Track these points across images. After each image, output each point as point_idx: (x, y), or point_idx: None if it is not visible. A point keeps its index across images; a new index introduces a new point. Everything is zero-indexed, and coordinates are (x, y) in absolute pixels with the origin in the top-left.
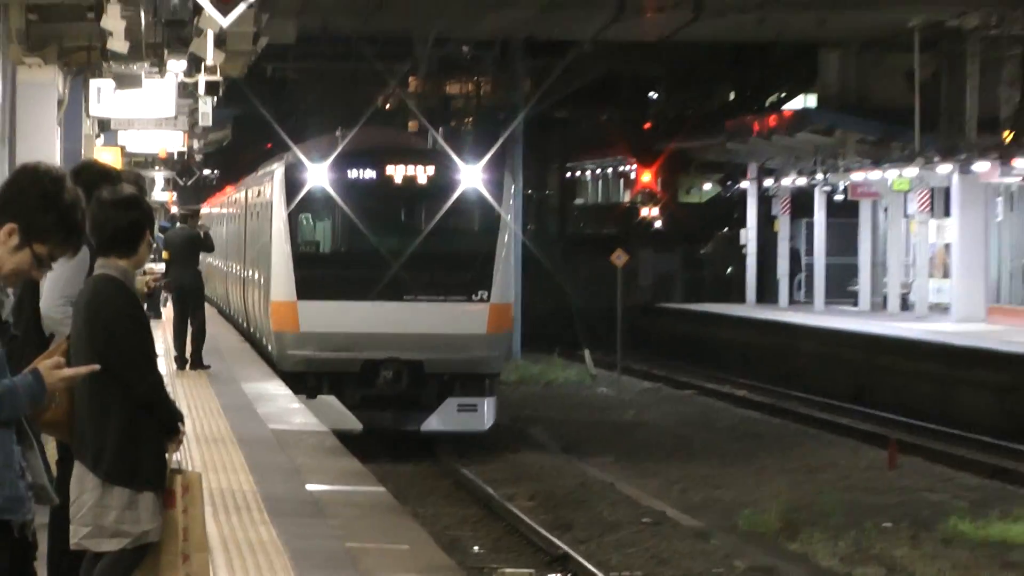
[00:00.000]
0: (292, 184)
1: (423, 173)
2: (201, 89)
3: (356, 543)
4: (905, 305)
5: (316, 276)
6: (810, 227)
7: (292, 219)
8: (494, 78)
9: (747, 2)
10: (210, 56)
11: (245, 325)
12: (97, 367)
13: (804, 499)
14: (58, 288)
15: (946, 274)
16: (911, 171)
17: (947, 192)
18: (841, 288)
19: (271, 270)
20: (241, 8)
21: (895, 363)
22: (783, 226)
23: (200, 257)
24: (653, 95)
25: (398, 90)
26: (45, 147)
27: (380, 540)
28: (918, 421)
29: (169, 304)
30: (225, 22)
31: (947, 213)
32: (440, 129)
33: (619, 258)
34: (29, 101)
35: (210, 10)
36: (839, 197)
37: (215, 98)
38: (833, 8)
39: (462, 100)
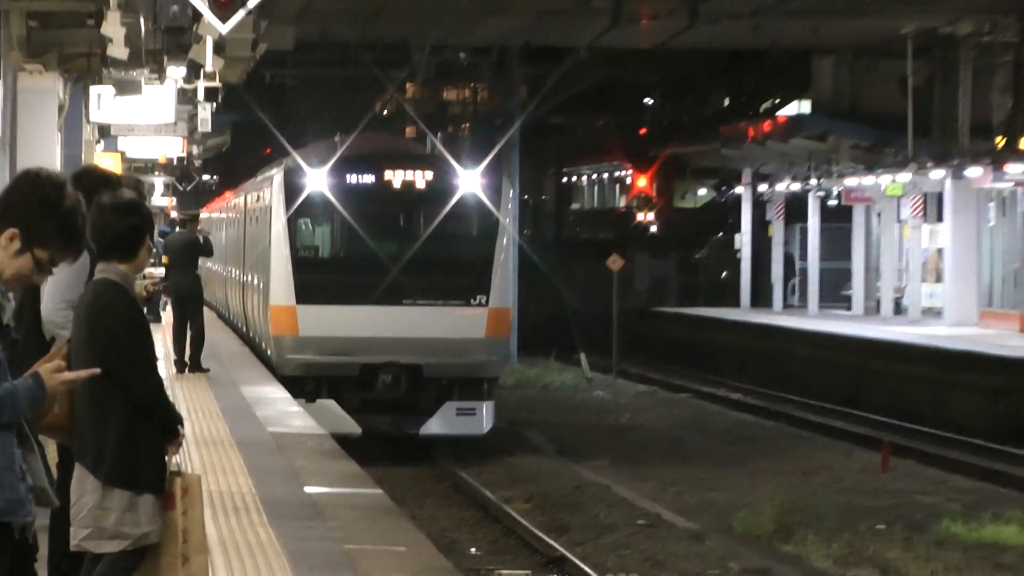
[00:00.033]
0: (291, 189)
1: (422, 178)
2: (200, 95)
3: (354, 545)
4: (898, 309)
5: (315, 280)
6: (804, 232)
7: (291, 224)
8: (491, 84)
9: (741, 9)
10: (209, 62)
11: (244, 329)
12: (98, 371)
13: (798, 501)
14: (59, 292)
15: (939, 278)
16: (904, 176)
17: (940, 197)
18: (835, 292)
19: (270, 274)
20: (240, 15)
21: (888, 367)
22: (777, 231)
23: (199, 262)
24: (648, 101)
25: (396, 96)
26: (46, 153)
27: (378, 542)
28: (911, 424)
29: (169, 308)
30: (224, 29)
31: (940, 218)
32: (438, 135)
33: (615, 262)
34: (30, 107)
35: (209, 17)
36: (833, 202)
37: (214, 104)
38: (827, 15)
39: (459, 106)
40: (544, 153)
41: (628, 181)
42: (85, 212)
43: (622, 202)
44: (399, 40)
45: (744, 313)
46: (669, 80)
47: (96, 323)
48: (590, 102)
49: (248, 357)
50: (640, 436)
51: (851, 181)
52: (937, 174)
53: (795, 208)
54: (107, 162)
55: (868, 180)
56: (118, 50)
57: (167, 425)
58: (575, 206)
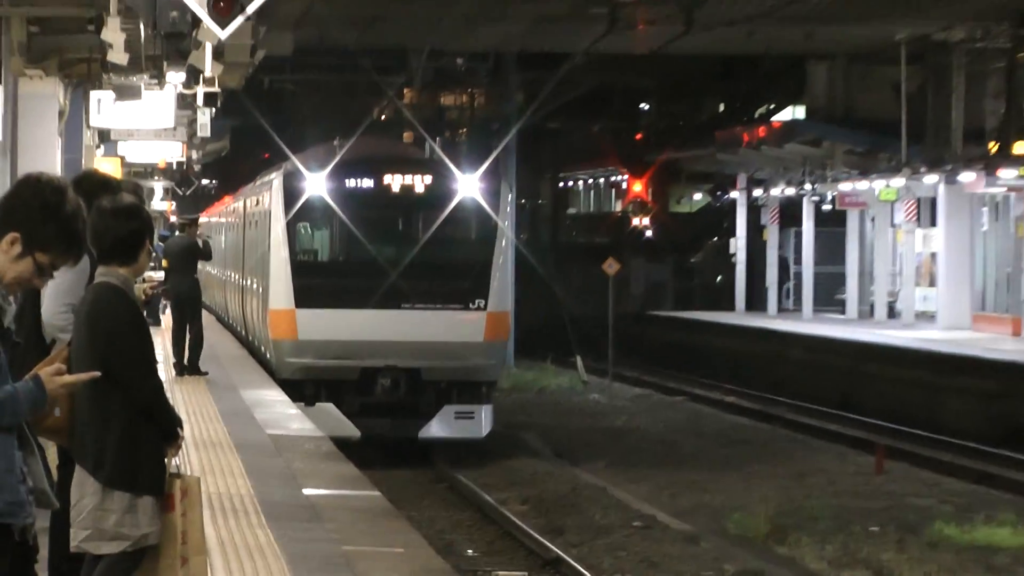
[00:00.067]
0: (290, 193)
1: (420, 182)
2: (200, 100)
3: (352, 546)
4: (892, 313)
5: (314, 284)
6: (798, 236)
7: (290, 228)
8: (487, 90)
9: (736, 16)
10: (208, 68)
11: (244, 333)
12: (98, 374)
13: (792, 504)
14: (60, 296)
15: (932, 283)
16: (898, 181)
17: (933, 202)
18: (829, 296)
19: (269, 278)
20: (239, 21)
21: (882, 370)
22: (772, 235)
23: (199, 265)
24: (644, 107)
25: (394, 101)
26: (46, 157)
27: (376, 543)
28: (905, 427)
29: (168, 311)
30: (223, 34)
31: (933, 223)
32: (437, 140)
33: (611, 267)
34: (31, 112)
35: (208, 23)
36: (827, 207)
37: (213, 109)
38: (821, 22)
39: (456, 111)
40: (541, 158)
41: (624, 186)
42: (86, 216)
43: (618, 207)
44: (397, 46)
45: (739, 317)
46: (665, 85)
47: (96, 326)
48: (586, 107)
49: (247, 360)
50: (636, 439)
51: (845, 186)
52: (931, 179)
53: (790, 213)
54: (107, 167)
55: (862, 185)
56: (118, 55)
57: (167, 427)
58: (571, 210)
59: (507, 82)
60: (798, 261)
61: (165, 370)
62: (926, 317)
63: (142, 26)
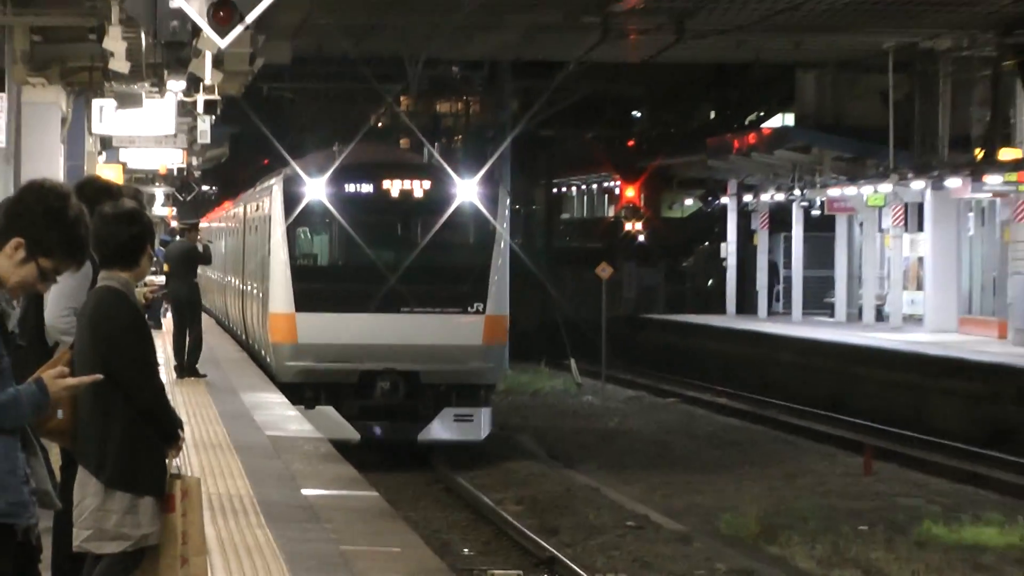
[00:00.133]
0: (290, 198)
1: (419, 187)
2: (200, 108)
3: (350, 546)
4: (880, 316)
5: (314, 288)
6: (788, 241)
7: (290, 232)
8: (483, 97)
9: (727, 25)
10: (208, 76)
11: (244, 337)
12: (100, 377)
13: (782, 504)
14: (62, 299)
15: (919, 286)
16: (885, 187)
17: (920, 207)
18: (818, 300)
19: (270, 282)
20: (238, 30)
21: (870, 372)
22: (762, 240)
23: (199, 270)
24: (636, 114)
25: (391, 109)
26: (49, 164)
27: (373, 543)
28: (893, 428)
29: (169, 315)
30: (223, 43)
31: (920, 228)
32: (436, 145)
33: (604, 271)
34: (34, 120)
35: (208, 32)
36: (816, 212)
37: (213, 116)
38: (810, 31)
39: (452, 119)
40: (535, 164)
41: (617, 192)
42: (88, 222)
43: (611, 212)
44: (393, 55)
45: (730, 320)
46: (656, 93)
47: (98, 329)
48: (579, 115)
49: (246, 363)
50: (628, 440)
51: (834, 191)
52: (918, 185)
53: (779, 218)
54: (109, 173)
55: (851, 191)
56: (119, 64)
57: (167, 429)
58: (565, 216)
59: (502, 90)
60: (788, 265)
61: (166, 372)
62: (913, 320)
63: (143, 35)
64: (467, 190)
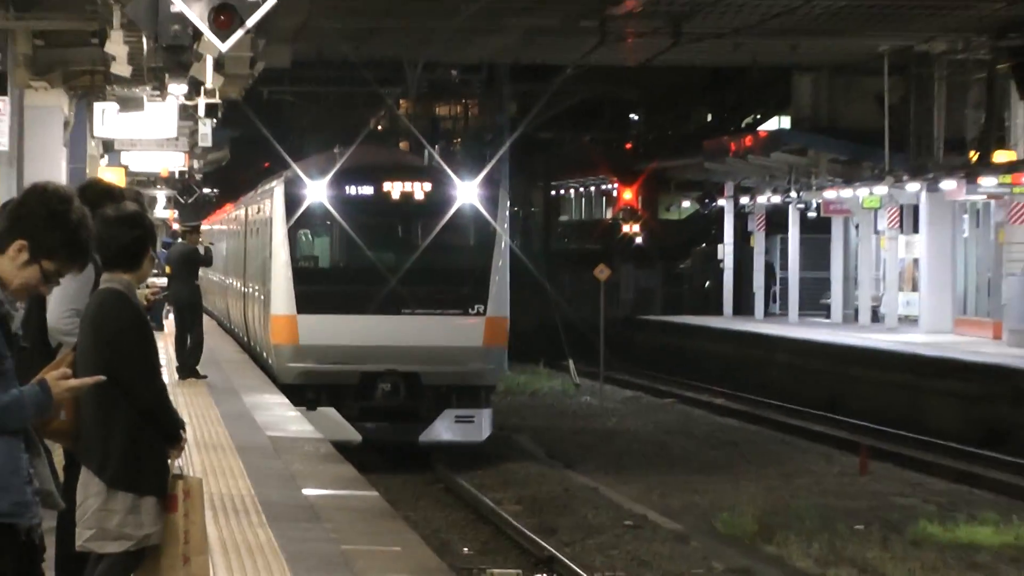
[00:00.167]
0: (291, 200)
1: (420, 189)
2: (201, 111)
3: (350, 546)
4: (875, 317)
5: (315, 290)
6: (784, 243)
7: (292, 235)
8: (481, 101)
9: (723, 28)
10: (209, 80)
11: (245, 339)
12: (102, 378)
13: (779, 503)
14: (65, 301)
15: (915, 287)
16: (881, 189)
17: (915, 209)
18: (814, 301)
19: (271, 284)
20: (239, 34)
21: (866, 373)
22: (759, 242)
23: (200, 272)
24: (634, 117)
25: (392, 111)
26: (52, 167)
27: (373, 543)
28: (888, 428)
29: (171, 316)
30: (224, 47)
31: (916, 229)
32: (436, 147)
33: (602, 272)
34: (36, 123)
35: (209, 36)
36: (812, 214)
37: (214, 120)
38: (806, 34)
39: (451, 122)
40: (533, 167)
41: (614, 194)
42: (91, 225)
43: (609, 214)
44: (392, 58)
45: (727, 321)
46: (654, 97)
47: (100, 331)
48: (578, 118)
49: (247, 364)
50: (627, 440)
51: (830, 194)
52: (913, 187)
53: (776, 220)
54: (111, 176)
55: (846, 193)
56: (121, 68)
57: (169, 430)
58: (563, 218)
59: (500, 93)
60: (784, 267)
61: (168, 374)
62: (909, 321)
63: (144, 39)
64: (467, 192)
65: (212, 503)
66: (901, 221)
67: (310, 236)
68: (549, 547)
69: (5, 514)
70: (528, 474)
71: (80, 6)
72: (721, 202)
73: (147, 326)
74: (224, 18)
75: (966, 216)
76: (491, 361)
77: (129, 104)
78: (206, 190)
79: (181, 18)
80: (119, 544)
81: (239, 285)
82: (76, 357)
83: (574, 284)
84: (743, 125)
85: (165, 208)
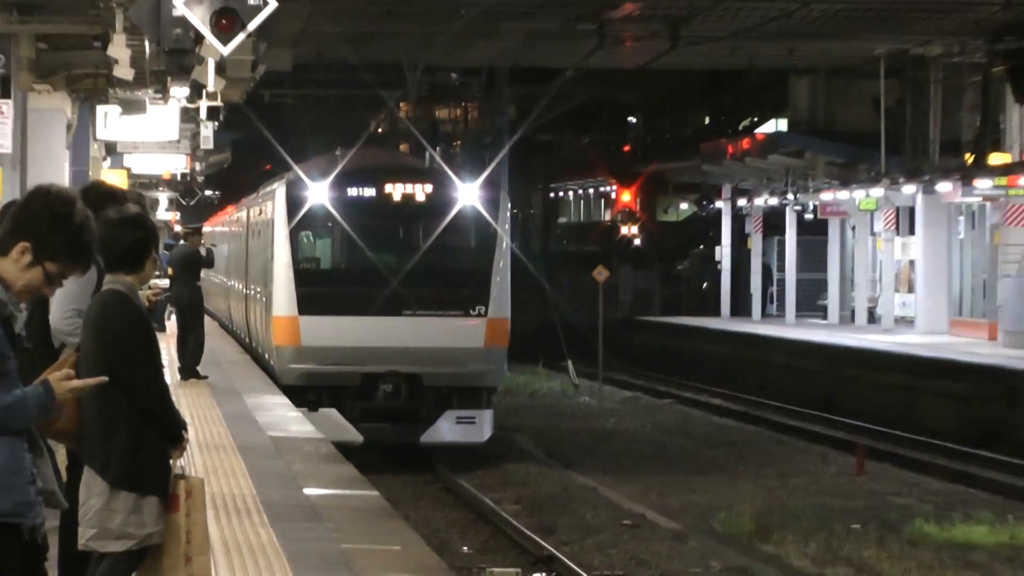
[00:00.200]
0: (293, 202)
1: (421, 191)
2: (203, 114)
3: (351, 545)
4: (872, 318)
5: (317, 292)
6: (781, 244)
7: (293, 236)
8: (481, 103)
9: (721, 32)
10: (211, 83)
11: (247, 340)
12: (105, 379)
13: (776, 503)
14: (67, 302)
15: (911, 289)
16: (877, 191)
17: (911, 211)
18: (811, 302)
19: (273, 286)
20: (240, 37)
21: (863, 373)
22: (756, 243)
23: (202, 273)
24: (632, 120)
25: (393, 114)
26: (55, 169)
27: (374, 542)
28: (885, 429)
29: (173, 317)
30: (225, 51)
31: (911, 231)
32: (438, 149)
33: (600, 274)
34: (39, 126)
35: (211, 39)
36: (809, 216)
37: (216, 122)
38: (803, 38)
39: (450, 124)
40: (532, 169)
41: (613, 196)
42: (94, 227)
43: (607, 216)
44: (393, 62)
45: (724, 322)
46: (652, 99)
47: (103, 332)
48: (576, 120)
49: (248, 365)
50: (625, 440)
51: (827, 196)
52: (909, 189)
53: (773, 222)
54: (113, 178)
55: (843, 195)
56: (124, 71)
57: (171, 430)
58: (562, 220)
59: (500, 96)
60: (781, 268)
61: (170, 374)
62: (905, 322)
63: (147, 43)
64: (469, 194)
65: (214, 503)
66: (897, 223)
67: (311, 238)
68: (548, 546)
69: (9, 514)
70: (527, 474)
71: (83, 10)
72: (719, 204)
73: (149, 327)
74: (226, 22)
75: (962, 218)
76: (492, 362)
77: (131, 107)
78: (208, 192)
79: (183, 22)
80: (121, 543)
81: (241, 287)
82: (79, 358)
83: (573, 285)
84: (740, 128)
85: (167, 210)
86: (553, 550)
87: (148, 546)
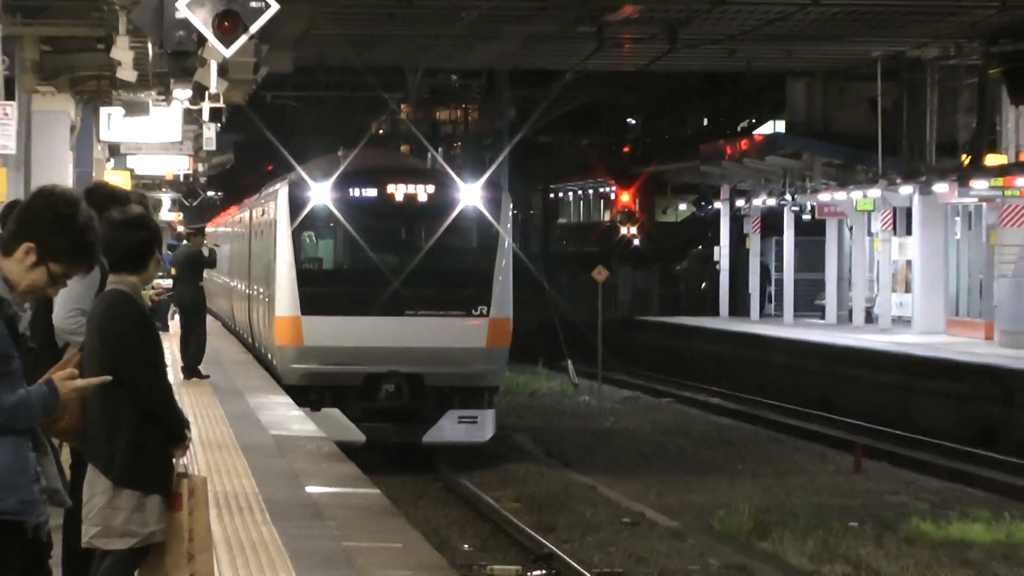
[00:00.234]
0: (295, 203)
1: (423, 192)
2: (205, 115)
3: (352, 543)
4: (869, 318)
5: (319, 292)
6: (779, 245)
7: (296, 237)
8: (481, 105)
9: (719, 34)
10: (214, 85)
11: (250, 340)
12: (109, 378)
13: (774, 501)
14: (69, 301)
15: (908, 289)
16: (874, 192)
17: (908, 212)
18: (809, 302)
19: (275, 286)
20: (242, 40)
21: (860, 373)
22: (754, 244)
23: (204, 273)
24: (631, 121)
25: (392, 116)
26: (59, 170)
27: (375, 540)
28: (882, 428)
29: (177, 317)
30: (227, 53)
31: (908, 232)
32: (440, 150)
33: (600, 274)
34: (43, 127)
35: (213, 42)
36: (807, 216)
37: (218, 124)
38: (800, 40)
39: (451, 126)
40: (532, 170)
41: (612, 197)
42: (97, 228)
43: (606, 217)
44: (393, 64)
45: (723, 322)
46: (651, 101)
47: (106, 332)
48: (576, 122)
49: (251, 365)
50: (624, 439)
51: (824, 196)
52: (906, 190)
53: (771, 222)
54: (117, 179)
55: (840, 196)
56: (127, 73)
57: (174, 429)
58: (562, 220)
59: (500, 98)
60: (779, 268)
61: (173, 373)
62: (902, 322)
63: (149, 45)
64: (471, 194)
65: (217, 501)
66: (894, 223)
67: (314, 238)
68: (548, 544)
69: (13, 512)
70: (527, 473)
71: (87, 13)
72: (717, 205)
73: (152, 327)
74: (228, 24)
75: (958, 219)
76: (494, 362)
77: (135, 108)
78: (210, 193)
79: (186, 24)
80: (124, 541)
81: (243, 287)
82: (83, 357)
83: (572, 286)
84: (739, 129)
85: (170, 211)
86: (553, 548)
87: (151, 544)
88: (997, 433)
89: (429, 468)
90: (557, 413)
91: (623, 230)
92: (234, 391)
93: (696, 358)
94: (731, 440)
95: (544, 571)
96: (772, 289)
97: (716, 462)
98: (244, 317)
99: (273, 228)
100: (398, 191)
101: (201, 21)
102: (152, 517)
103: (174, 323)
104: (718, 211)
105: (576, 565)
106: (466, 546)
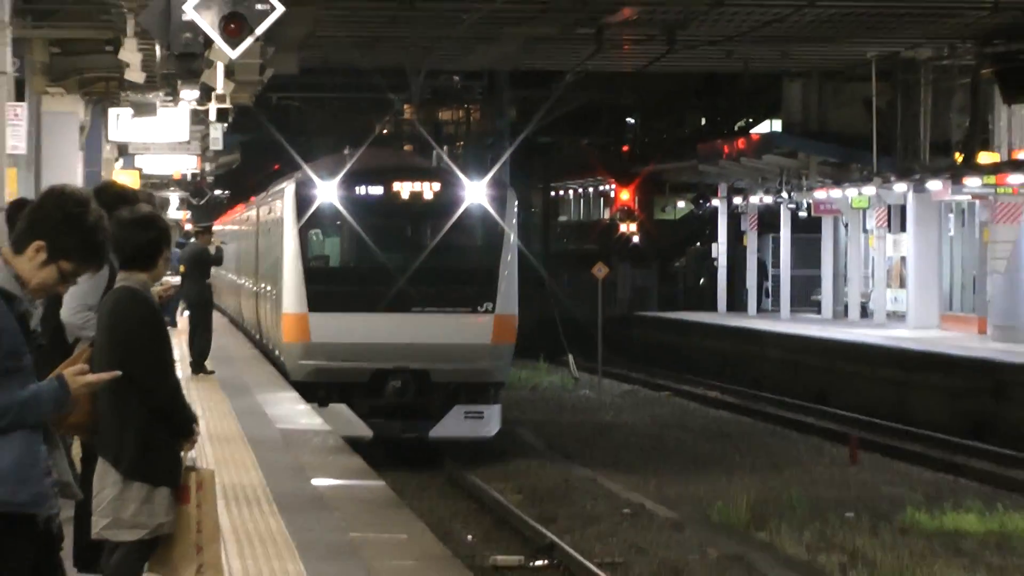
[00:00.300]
0: (302, 201)
1: (429, 189)
2: (212, 116)
3: (358, 533)
4: (864, 313)
5: (326, 289)
6: (776, 242)
7: (303, 234)
8: (482, 106)
9: (716, 36)
10: (220, 86)
11: (258, 336)
12: (118, 373)
13: (771, 493)
14: (78, 297)
15: (902, 284)
16: (869, 190)
17: (903, 209)
18: (805, 298)
19: (283, 283)
20: (248, 42)
21: (855, 367)
22: (751, 241)
23: (211, 271)
24: (630, 121)
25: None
26: (68, 170)
27: (380, 531)
28: (877, 420)
29: (186, 314)
30: (233, 55)
31: (903, 229)
32: (445, 149)
33: (599, 271)
34: (53, 128)
35: (220, 44)
36: (803, 214)
37: (225, 124)
38: (796, 41)
39: (453, 126)
40: (533, 169)
41: (611, 195)
42: (107, 227)
43: (606, 215)
44: (396, 66)
45: (721, 317)
46: (649, 102)
47: (115, 329)
48: (576, 122)
49: (259, 361)
50: (624, 433)
51: (820, 194)
52: (900, 188)
53: (768, 220)
54: (125, 179)
55: (836, 193)
56: (135, 74)
57: (182, 425)
58: (562, 218)
59: (501, 98)
60: (776, 265)
61: (181, 369)
62: (897, 317)
63: (157, 47)
64: (476, 192)
65: (225, 493)
66: (889, 221)
67: (321, 236)
68: (550, 535)
69: (24, 504)
70: (529, 466)
71: (95, 15)
72: (715, 203)
73: (161, 324)
74: (234, 27)
75: (951, 216)
76: (500, 358)
77: (143, 109)
78: (217, 192)
79: (192, 26)
80: (133, 532)
81: (251, 284)
82: (93, 353)
83: (573, 283)
84: (736, 129)
85: (178, 209)
86: (555, 538)
87: (160, 536)
88: (990, 426)
89: (434, 462)
90: (558, 407)
91: (622, 228)
92: (242, 386)
93: (694, 353)
94: (729, 433)
95: (546, 561)
96: (769, 285)
97: (714, 455)
98: (252, 314)
99: (280, 226)
100: (404, 189)
101: (208, 23)
102: (161, 509)
103: (183, 319)
104: (716, 209)
105: (577, 555)
106: (470, 537)
